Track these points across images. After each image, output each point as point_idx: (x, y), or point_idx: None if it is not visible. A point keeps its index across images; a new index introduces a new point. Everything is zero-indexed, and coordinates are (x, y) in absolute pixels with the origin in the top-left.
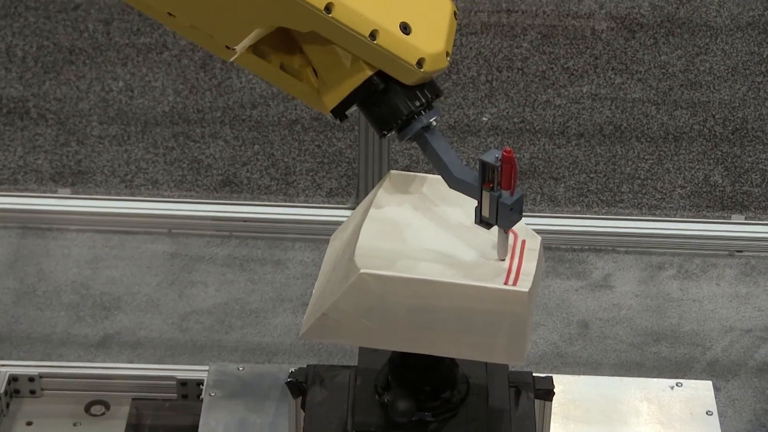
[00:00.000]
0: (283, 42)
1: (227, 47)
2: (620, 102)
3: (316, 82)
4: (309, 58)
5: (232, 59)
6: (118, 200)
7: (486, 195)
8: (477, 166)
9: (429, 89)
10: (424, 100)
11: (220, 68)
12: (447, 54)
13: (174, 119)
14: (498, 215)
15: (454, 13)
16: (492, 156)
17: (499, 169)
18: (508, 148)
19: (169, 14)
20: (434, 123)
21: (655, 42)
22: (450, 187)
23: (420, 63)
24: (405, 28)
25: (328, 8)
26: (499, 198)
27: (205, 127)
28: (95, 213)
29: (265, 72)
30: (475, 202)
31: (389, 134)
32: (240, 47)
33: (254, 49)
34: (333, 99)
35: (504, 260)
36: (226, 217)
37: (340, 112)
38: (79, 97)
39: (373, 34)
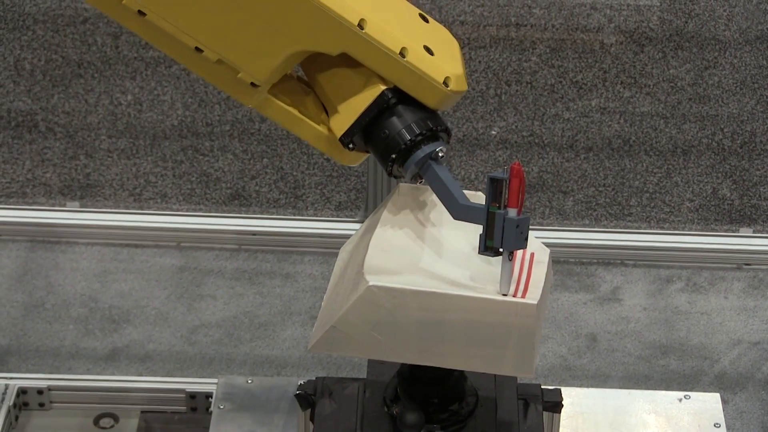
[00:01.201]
0: (296, 89)
1: (252, 84)
2: (629, 115)
3: (329, 122)
4: (321, 89)
5: (251, 104)
6: (126, 213)
7: (492, 215)
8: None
9: (433, 120)
10: (426, 129)
11: None
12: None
13: (183, 133)
14: (504, 235)
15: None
16: (500, 173)
17: (507, 182)
18: (517, 162)
19: (197, 49)
20: (441, 154)
21: (664, 56)
22: (455, 218)
23: (446, 82)
24: (428, 50)
25: (361, 25)
26: (505, 216)
27: (214, 140)
28: (104, 226)
29: (283, 115)
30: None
31: (394, 165)
32: (265, 82)
33: (272, 93)
34: (344, 123)
35: (506, 295)
36: (235, 231)
37: (348, 137)
38: (88, 111)
39: (402, 52)
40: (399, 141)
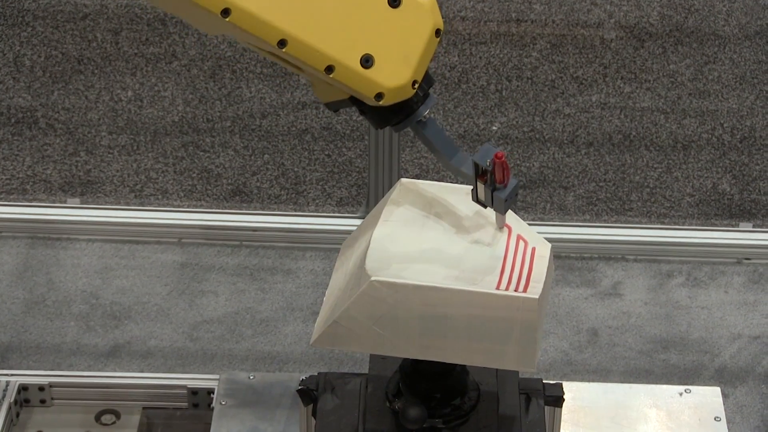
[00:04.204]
0: None
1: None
2: (629, 111)
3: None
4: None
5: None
6: (127, 210)
7: (481, 186)
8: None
9: (424, 81)
10: (421, 94)
11: (229, 78)
12: (415, 83)
13: (183, 129)
14: (494, 204)
15: (437, 31)
16: (484, 159)
17: (492, 170)
18: (500, 153)
19: None
20: (428, 115)
21: (664, 51)
22: (447, 170)
23: (379, 96)
24: (367, 61)
25: (282, 43)
26: (493, 191)
27: (214, 136)
28: (105, 223)
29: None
30: None
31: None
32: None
33: None
34: (326, 96)
35: (501, 230)
36: (236, 227)
37: (333, 107)
38: (88, 107)
39: (329, 68)
40: (390, 118)
